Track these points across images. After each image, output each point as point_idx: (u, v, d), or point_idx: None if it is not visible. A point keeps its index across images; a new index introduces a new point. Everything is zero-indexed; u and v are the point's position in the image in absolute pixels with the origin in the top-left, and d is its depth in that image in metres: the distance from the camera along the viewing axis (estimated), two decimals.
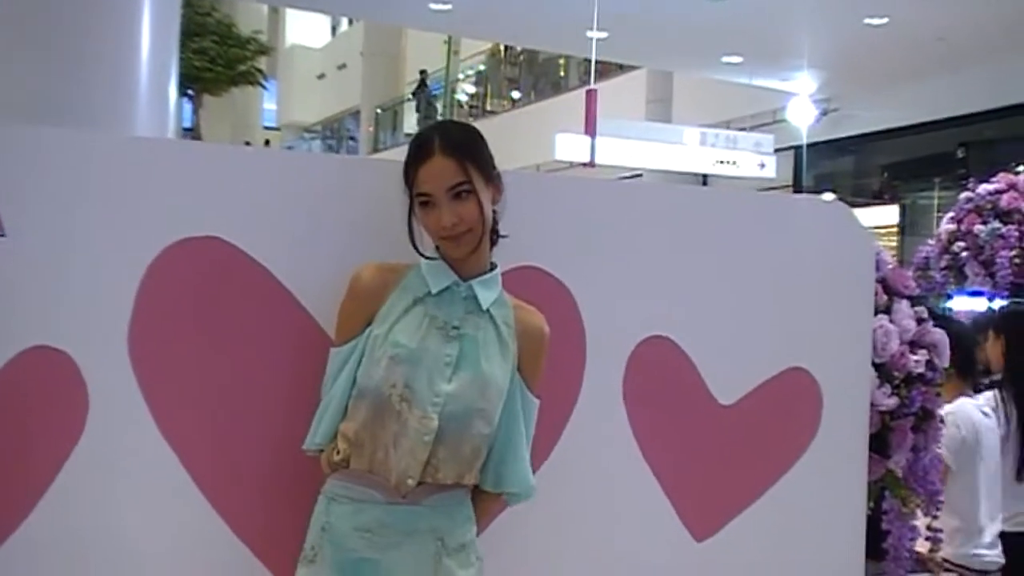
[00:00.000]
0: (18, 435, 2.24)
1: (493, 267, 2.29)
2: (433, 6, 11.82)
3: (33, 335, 2.24)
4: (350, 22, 32.05)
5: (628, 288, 2.66)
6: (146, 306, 2.30)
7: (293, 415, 2.29)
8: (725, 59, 13.26)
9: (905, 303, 3.01)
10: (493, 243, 2.29)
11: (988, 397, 4.24)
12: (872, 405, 2.89)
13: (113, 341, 2.28)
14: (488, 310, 2.24)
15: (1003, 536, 4.07)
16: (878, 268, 2.97)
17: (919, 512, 3.12)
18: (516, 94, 23.85)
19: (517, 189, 2.54)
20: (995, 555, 4.02)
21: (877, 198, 14.99)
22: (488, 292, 2.25)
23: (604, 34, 12.18)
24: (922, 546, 3.28)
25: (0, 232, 2.21)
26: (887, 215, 14.29)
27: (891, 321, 2.95)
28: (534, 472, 2.45)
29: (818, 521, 2.83)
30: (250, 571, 2.38)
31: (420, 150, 2.19)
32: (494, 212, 2.27)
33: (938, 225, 6.05)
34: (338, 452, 2.20)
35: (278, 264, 2.38)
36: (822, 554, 2.83)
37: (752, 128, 15.20)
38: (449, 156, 2.17)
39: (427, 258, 2.24)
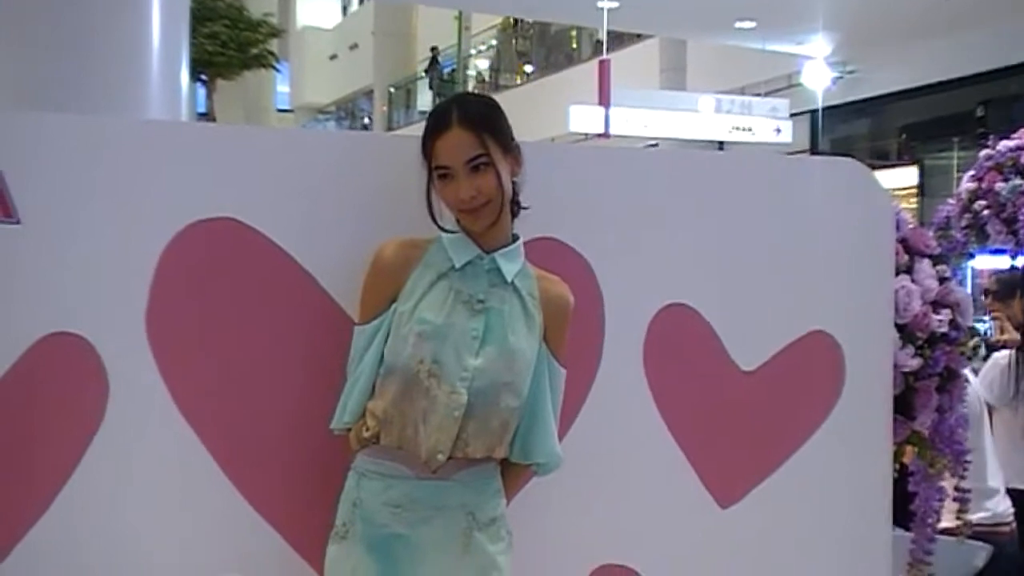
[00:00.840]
0: (40, 421, 2.25)
1: (515, 238, 2.28)
2: None
3: (51, 322, 2.25)
4: (360, 2, 31.99)
5: (645, 256, 2.64)
6: (163, 289, 2.30)
7: (314, 394, 2.29)
8: (738, 24, 13.16)
9: (926, 262, 2.98)
10: (514, 215, 2.29)
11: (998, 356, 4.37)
12: (895, 366, 2.87)
13: (131, 325, 2.28)
14: (512, 282, 2.23)
15: (1011, 492, 4.16)
16: (898, 228, 2.94)
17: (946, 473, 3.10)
18: (529, 68, 23.75)
19: (532, 160, 2.53)
20: (1005, 512, 4.11)
21: (896, 160, 14.88)
22: (511, 264, 2.24)
23: (615, 3, 12.12)
24: (949, 508, 3.27)
25: (15, 219, 2.21)
26: (906, 177, 14.19)
27: (912, 281, 2.93)
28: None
29: (844, 485, 2.81)
30: (277, 552, 2.38)
31: (438, 123, 2.18)
32: (514, 184, 2.25)
33: (958, 185, 5.99)
34: (367, 429, 2.21)
35: (294, 244, 2.37)
36: (849, 518, 2.82)
37: (767, 94, 15.13)
38: (467, 128, 2.16)
39: (446, 231, 2.24)
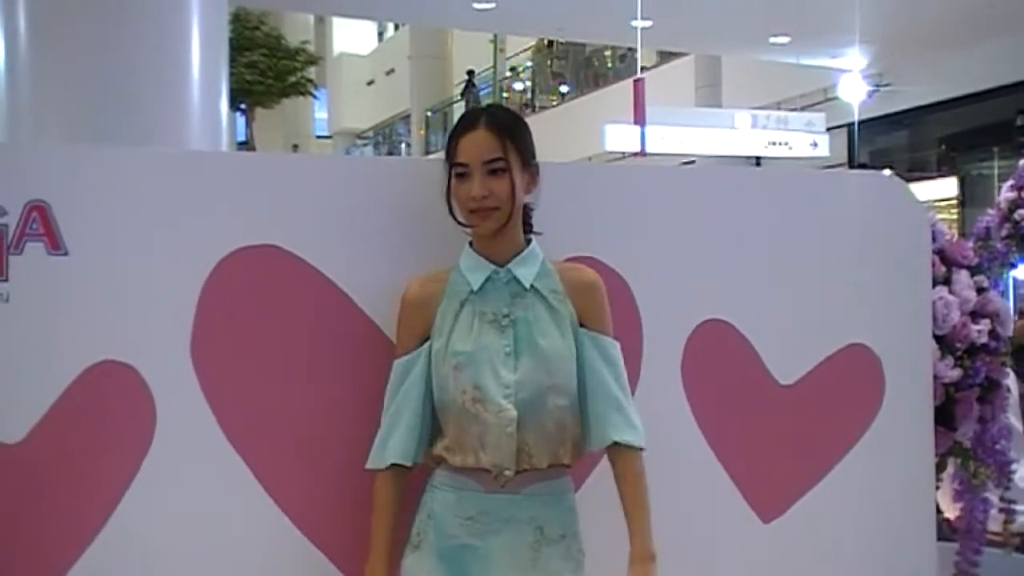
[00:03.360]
0: (89, 449, 2.30)
1: (529, 243, 2.31)
2: (477, 5, 11.86)
3: (99, 350, 2.30)
4: (396, 27, 32.19)
5: (682, 273, 2.66)
6: (207, 316, 2.34)
7: (358, 416, 2.32)
8: (773, 40, 13.15)
9: (964, 273, 2.98)
10: (527, 232, 2.32)
11: None
12: (935, 377, 2.87)
13: (177, 352, 2.33)
14: (533, 286, 2.26)
15: None
16: (935, 239, 2.95)
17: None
18: (564, 88, 23.81)
19: (568, 180, 2.58)
20: None
21: (935, 171, 14.77)
22: (528, 269, 2.27)
23: (648, 23, 12.13)
24: (995, 519, 3.25)
25: (63, 251, 2.27)
26: (945, 188, 14.07)
27: (951, 292, 2.93)
28: (599, 458, 2.49)
29: (886, 497, 2.80)
30: (323, 573, 2.41)
31: (464, 123, 2.24)
32: (527, 205, 2.30)
33: (998, 195, 5.95)
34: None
35: (335, 268, 2.41)
36: (893, 530, 2.81)
37: (803, 108, 15.07)
38: (491, 131, 2.21)
39: (462, 224, 2.26)
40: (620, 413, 2.27)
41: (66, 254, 2.27)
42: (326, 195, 2.44)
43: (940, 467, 2.94)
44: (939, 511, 3.10)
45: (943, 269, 2.95)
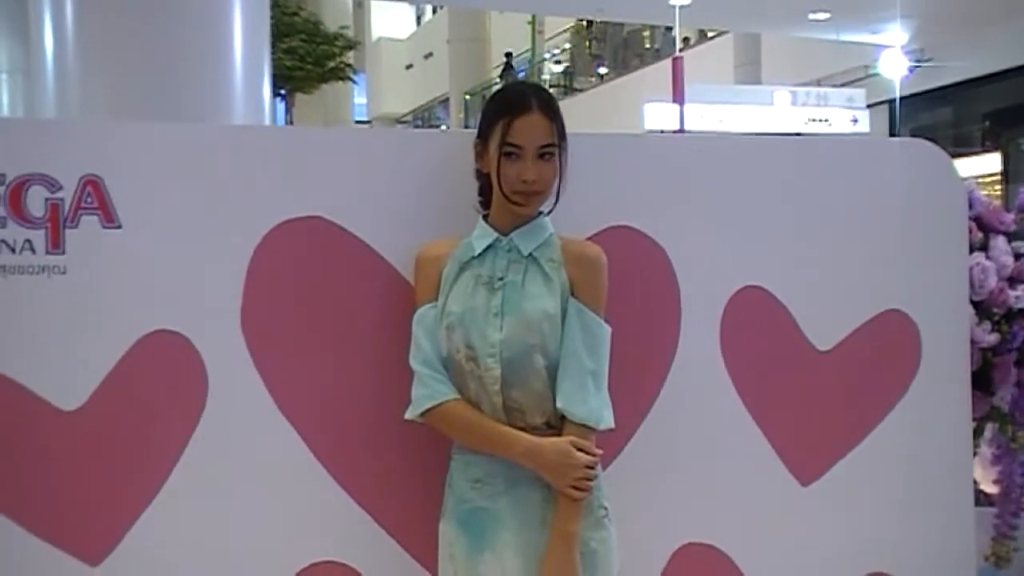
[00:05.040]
0: (144, 416, 2.38)
1: (539, 214, 2.35)
2: None
3: (152, 320, 2.38)
4: (434, 11, 32.22)
5: (719, 240, 2.69)
6: (256, 286, 2.41)
7: (404, 382, 2.36)
8: (812, 16, 13.07)
9: (1002, 239, 2.99)
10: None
11: None
12: (972, 342, 2.89)
13: (227, 322, 2.40)
14: (532, 254, 2.31)
15: None
16: (972, 205, 2.96)
17: None
18: (603, 70, 23.75)
19: (606, 150, 2.63)
20: None
21: (979, 147, 14.62)
22: (530, 240, 2.32)
23: (687, 1, 12.11)
24: None
25: (117, 223, 2.34)
26: (989, 164, 13.94)
27: (987, 258, 2.94)
28: (637, 425, 2.53)
29: (924, 460, 2.83)
30: (373, 538, 2.49)
31: (517, 104, 2.26)
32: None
33: None
34: None
35: (378, 238, 2.47)
36: (930, 493, 2.84)
37: (843, 85, 14.97)
38: (545, 115, 2.26)
39: (507, 200, 2.30)
40: (579, 387, 2.26)
41: (120, 227, 2.35)
42: (367, 167, 2.50)
43: (978, 431, 2.96)
44: (974, 481, 3.11)
45: (980, 235, 2.96)
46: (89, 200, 2.33)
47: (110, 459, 2.36)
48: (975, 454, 3.05)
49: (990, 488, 3.25)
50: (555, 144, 2.26)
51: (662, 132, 13.19)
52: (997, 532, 3.06)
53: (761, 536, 2.72)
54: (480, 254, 2.32)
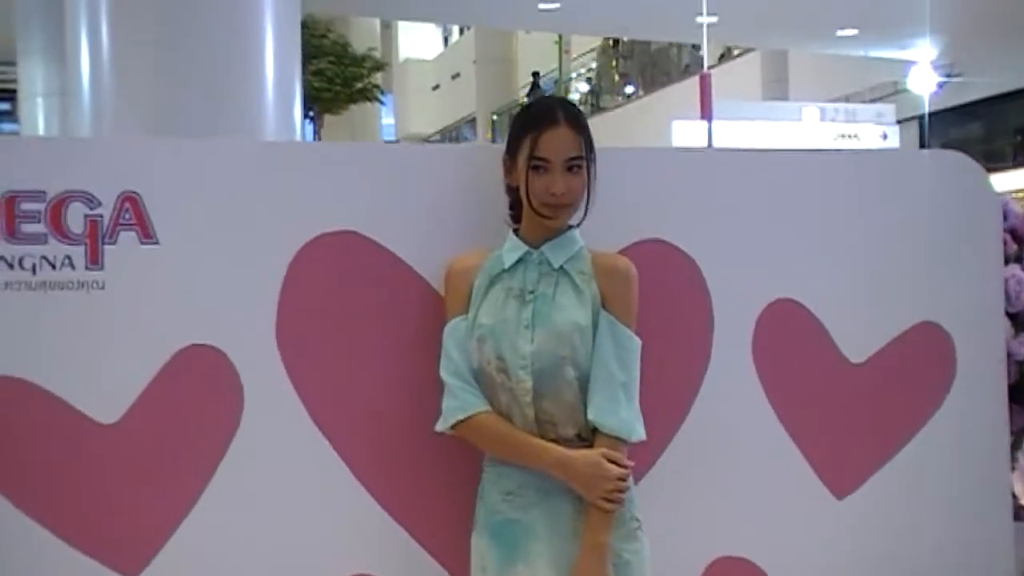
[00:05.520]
0: (181, 430, 2.41)
1: (569, 228, 2.36)
2: (542, 6, 11.92)
3: (189, 334, 2.40)
4: (461, 32, 32.39)
5: (752, 253, 2.70)
6: (291, 300, 2.44)
7: (436, 395, 2.37)
8: (840, 33, 13.04)
9: None
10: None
11: None
12: (1008, 355, 2.87)
13: (262, 336, 2.43)
14: (562, 267, 2.32)
15: None
16: (1006, 217, 2.94)
17: None
18: (629, 89, 23.79)
19: (638, 164, 2.64)
20: None
21: (1011, 162, 14.53)
22: (561, 253, 2.33)
23: (714, 19, 12.11)
24: None
25: (155, 240, 2.37)
26: (1021, 179, 13.85)
27: (1023, 270, 2.92)
28: (670, 439, 2.53)
29: (960, 474, 2.81)
30: (407, 552, 2.50)
31: (544, 117, 2.28)
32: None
33: None
34: None
35: (410, 252, 2.49)
36: (967, 507, 2.82)
37: (872, 101, 14.91)
38: (573, 128, 2.28)
39: (535, 213, 2.31)
40: (610, 399, 2.27)
41: (157, 243, 2.38)
42: (400, 181, 2.52)
43: (1015, 445, 2.93)
44: (1013, 496, 3.09)
45: (1015, 247, 2.94)
46: (127, 216, 2.36)
47: (147, 472, 2.38)
48: (1013, 468, 3.02)
49: None
50: (583, 157, 2.28)
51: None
52: None
53: (796, 550, 2.71)
54: (511, 267, 2.33)
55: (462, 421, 2.29)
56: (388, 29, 33.93)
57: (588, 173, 2.30)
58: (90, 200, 2.34)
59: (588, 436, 2.29)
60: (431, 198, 2.52)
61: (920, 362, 2.80)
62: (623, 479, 2.24)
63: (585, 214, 2.35)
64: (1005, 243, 2.91)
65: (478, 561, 2.34)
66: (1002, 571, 2.85)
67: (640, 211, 2.61)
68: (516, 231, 2.38)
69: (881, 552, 2.76)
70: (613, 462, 2.24)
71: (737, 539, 2.68)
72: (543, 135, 2.27)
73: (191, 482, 2.40)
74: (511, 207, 2.41)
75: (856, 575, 2.74)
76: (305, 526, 2.45)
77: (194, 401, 2.41)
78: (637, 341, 2.32)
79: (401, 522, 2.49)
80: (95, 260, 2.35)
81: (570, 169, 2.27)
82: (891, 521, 2.77)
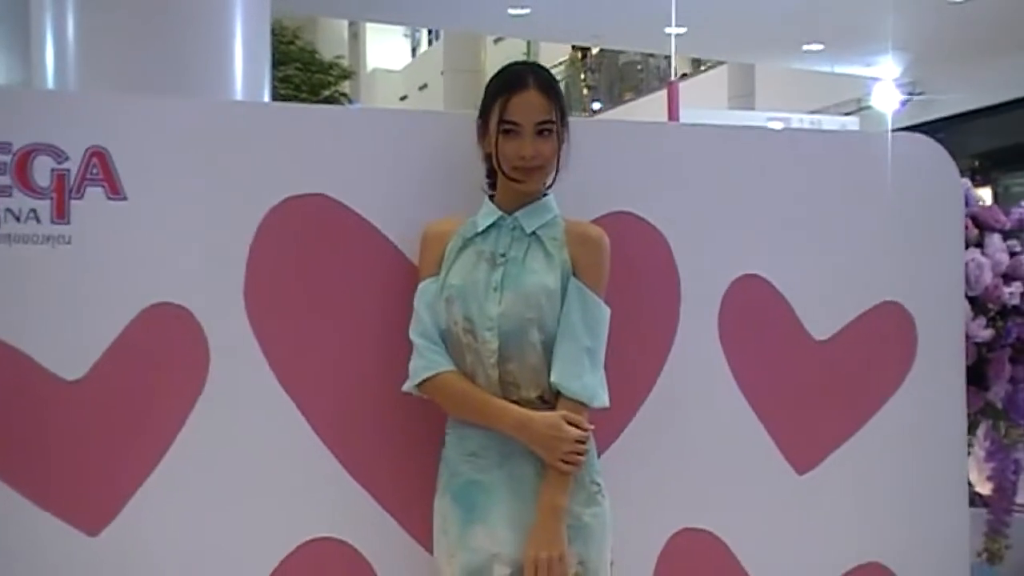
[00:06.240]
0: (146, 387, 2.39)
1: (544, 195, 2.37)
2: (512, 11, 11.94)
3: (156, 292, 2.39)
4: (430, 43, 32.43)
5: (720, 229, 2.72)
6: (259, 261, 2.43)
7: (402, 359, 2.37)
8: (806, 47, 13.16)
9: (997, 237, 3.03)
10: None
11: None
12: (968, 337, 2.91)
13: (230, 296, 2.42)
14: (535, 232, 2.33)
15: None
16: (967, 204, 2.99)
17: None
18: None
19: (609, 137, 2.66)
20: None
21: (970, 181, 14.68)
22: (533, 218, 2.34)
23: (683, 29, 12.18)
24: None
25: (122, 196, 2.36)
26: (985, 198, 14.00)
27: (983, 254, 2.97)
28: (635, 410, 2.54)
29: (919, 452, 2.85)
30: (370, 514, 2.49)
31: (514, 82, 2.29)
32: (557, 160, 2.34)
33: None
34: None
35: (380, 216, 2.50)
36: (924, 485, 2.85)
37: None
38: (542, 93, 2.28)
39: (497, 178, 2.34)
40: (574, 363, 2.27)
41: (125, 199, 2.36)
42: (371, 146, 2.52)
43: (972, 426, 2.97)
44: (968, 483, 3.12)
45: (976, 232, 2.99)
46: (95, 172, 2.34)
47: (111, 430, 2.36)
48: (968, 453, 3.06)
49: (984, 489, 3.26)
50: (553, 121, 2.29)
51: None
52: (990, 528, 3.08)
53: (757, 523, 2.73)
54: (484, 231, 2.34)
55: (427, 380, 2.29)
56: (356, 39, 33.91)
57: (559, 138, 2.32)
58: (57, 154, 2.32)
59: (551, 399, 2.29)
60: (402, 163, 2.52)
61: (883, 341, 2.84)
62: (582, 441, 2.25)
63: (555, 179, 2.36)
64: (966, 228, 2.96)
65: (440, 523, 2.34)
66: (956, 544, 2.89)
67: (610, 183, 2.62)
68: (492, 197, 2.39)
69: (840, 527, 2.79)
70: (574, 425, 2.25)
71: (700, 511, 2.69)
72: (513, 99, 2.28)
73: (155, 441, 2.38)
74: (488, 175, 2.41)
75: (815, 549, 2.77)
76: (269, 488, 2.44)
77: (159, 360, 2.40)
78: (606, 309, 2.33)
79: (365, 485, 2.49)
80: (61, 215, 2.33)
81: (540, 133, 2.28)
82: (850, 497, 2.80)
